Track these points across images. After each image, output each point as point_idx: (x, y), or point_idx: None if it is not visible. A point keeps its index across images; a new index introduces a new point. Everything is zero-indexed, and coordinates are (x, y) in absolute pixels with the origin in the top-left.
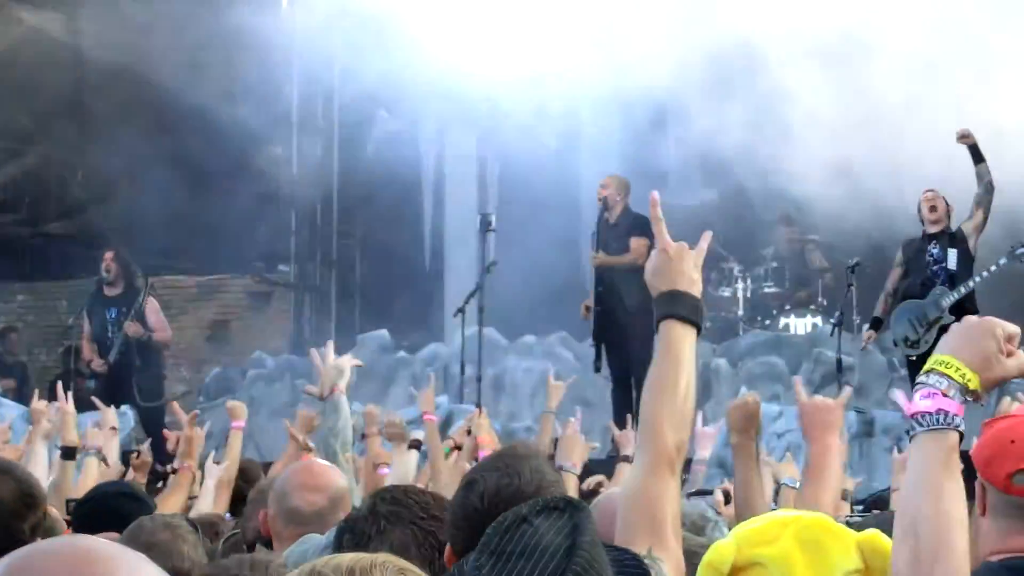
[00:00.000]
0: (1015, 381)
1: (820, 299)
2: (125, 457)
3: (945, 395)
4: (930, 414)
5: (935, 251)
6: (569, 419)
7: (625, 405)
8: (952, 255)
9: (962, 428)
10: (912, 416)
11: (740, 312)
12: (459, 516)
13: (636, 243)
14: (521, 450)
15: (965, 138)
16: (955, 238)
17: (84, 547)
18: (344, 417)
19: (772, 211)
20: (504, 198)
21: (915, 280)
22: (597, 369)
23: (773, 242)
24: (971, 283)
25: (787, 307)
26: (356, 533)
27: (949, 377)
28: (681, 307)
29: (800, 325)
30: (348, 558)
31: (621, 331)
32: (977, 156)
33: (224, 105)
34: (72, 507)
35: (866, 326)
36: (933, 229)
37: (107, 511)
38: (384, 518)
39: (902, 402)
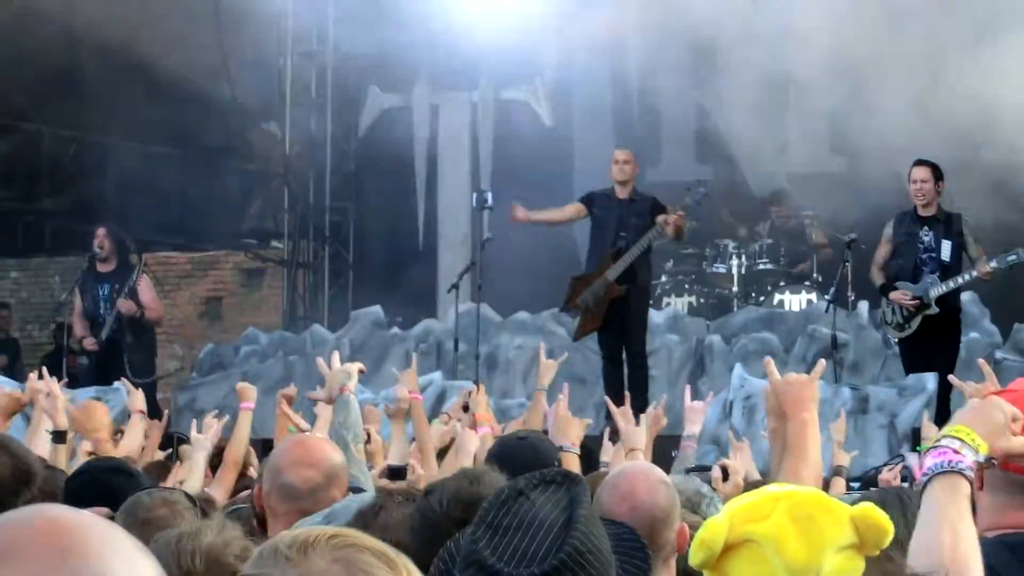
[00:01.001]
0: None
1: (815, 275)
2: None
3: (956, 452)
4: (940, 463)
5: (927, 238)
6: (559, 397)
7: (617, 381)
8: (946, 247)
9: (971, 477)
10: (924, 473)
11: (735, 288)
12: (417, 519)
13: (674, 218)
14: (480, 469)
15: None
16: (951, 228)
17: (55, 516)
18: (354, 413)
19: (767, 187)
20: (497, 174)
21: (905, 264)
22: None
23: (768, 218)
24: (960, 280)
25: (782, 283)
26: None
27: (960, 440)
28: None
29: (795, 301)
30: (301, 532)
31: (619, 307)
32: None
33: (218, 81)
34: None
35: (884, 301)
36: (925, 212)
37: (98, 486)
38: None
39: (915, 466)
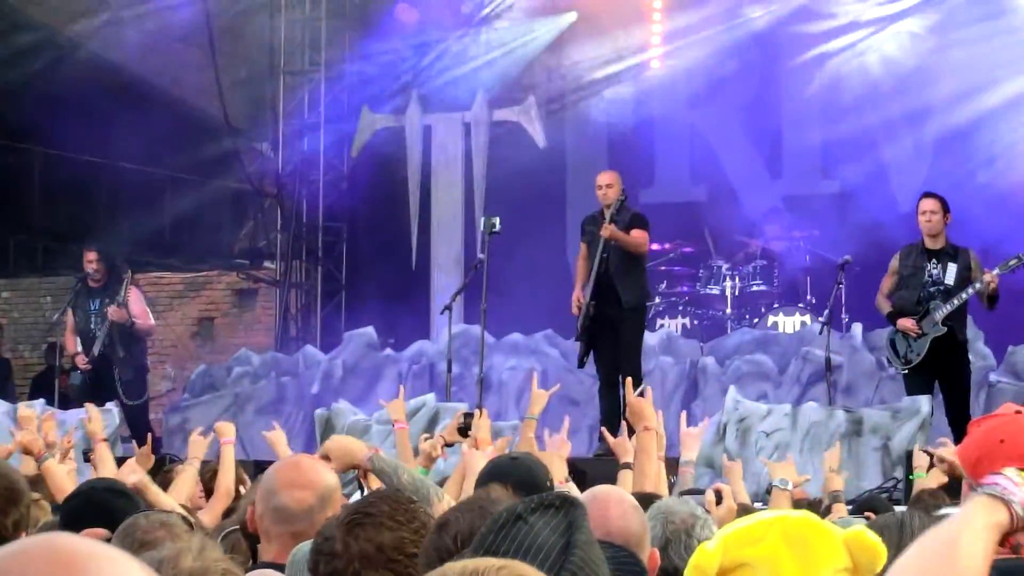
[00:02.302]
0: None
1: (809, 297)
2: (85, 456)
3: (1015, 483)
4: (991, 484)
5: (935, 271)
6: (553, 436)
7: (614, 407)
8: (951, 271)
9: (1018, 510)
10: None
11: (728, 310)
12: (433, 557)
13: (638, 233)
14: (496, 493)
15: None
16: (956, 255)
17: (63, 545)
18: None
19: (761, 208)
20: (491, 194)
21: (910, 296)
22: (581, 365)
23: (761, 240)
24: (964, 295)
25: (775, 305)
26: (331, 571)
27: (1018, 479)
28: None
29: (788, 323)
30: (467, 564)
31: (613, 329)
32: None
33: (210, 101)
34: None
35: (889, 330)
36: (932, 245)
37: (95, 507)
38: (358, 560)
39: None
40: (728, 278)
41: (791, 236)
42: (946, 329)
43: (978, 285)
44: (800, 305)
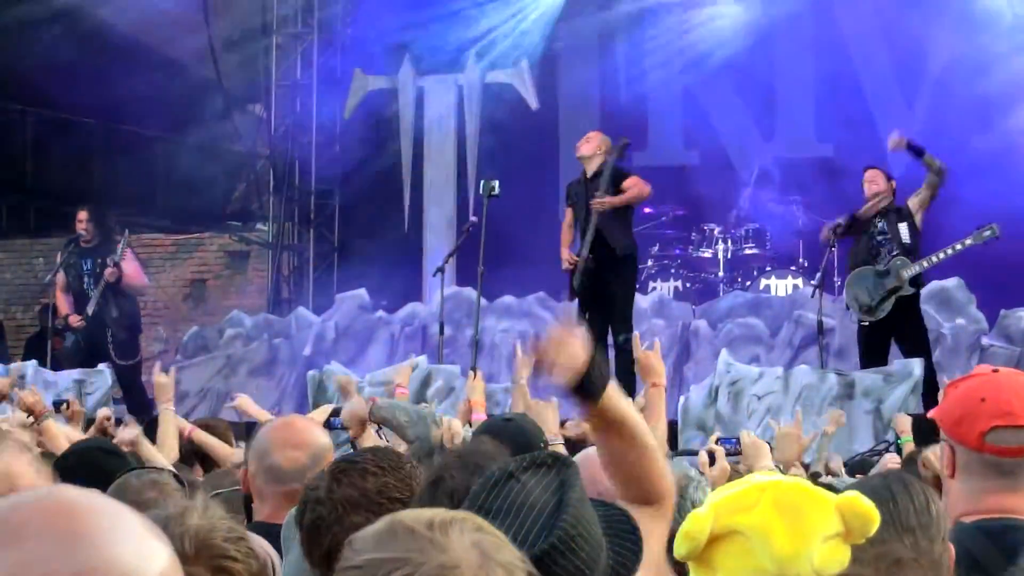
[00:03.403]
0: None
1: (801, 260)
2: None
3: None
4: None
5: (880, 224)
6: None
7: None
8: (904, 228)
9: None
10: None
11: (720, 273)
12: None
13: (630, 181)
14: (489, 447)
15: (898, 145)
16: (901, 213)
17: (64, 496)
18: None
19: (754, 172)
20: (483, 157)
21: (862, 249)
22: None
23: (755, 204)
24: (934, 258)
25: (767, 268)
26: (316, 517)
27: None
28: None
29: (780, 287)
30: (428, 511)
31: (604, 286)
32: (917, 151)
33: (203, 63)
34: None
35: (851, 277)
36: (873, 204)
37: (87, 466)
38: (341, 504)
39: None
40: (720, 241)
41: (784, 199)
42: (914, 290)
43: (950, 251)
44: (792, 268)
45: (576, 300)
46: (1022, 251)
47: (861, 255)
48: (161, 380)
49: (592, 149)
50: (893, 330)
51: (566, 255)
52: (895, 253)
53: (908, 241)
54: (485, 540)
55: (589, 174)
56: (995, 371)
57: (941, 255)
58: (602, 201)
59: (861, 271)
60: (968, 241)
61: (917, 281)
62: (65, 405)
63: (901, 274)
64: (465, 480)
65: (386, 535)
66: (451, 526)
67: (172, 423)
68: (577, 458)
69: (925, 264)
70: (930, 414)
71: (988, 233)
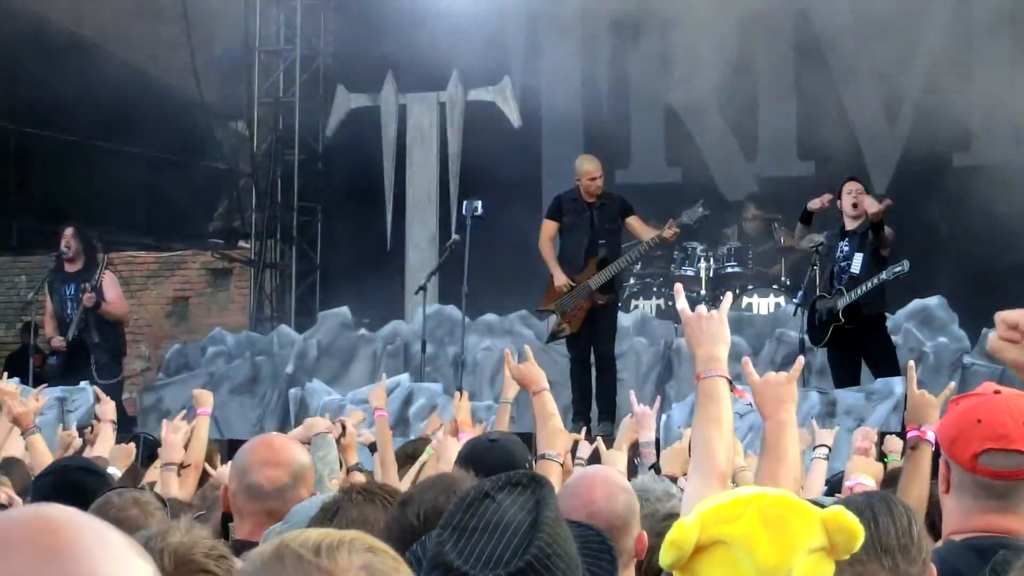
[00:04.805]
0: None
1: (783, 279)
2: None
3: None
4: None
5: (845, 248)
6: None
7: (585, 384)
8: (858, 259)
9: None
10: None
11: (703, 291)
12: (394, 532)
13: (636, 221)
14: (458, 475)
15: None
16: (865, 239)
17: (47, 515)
18: (333, 451)
19: (737, 190)
20: (465, 174)
21: (824, 272)
22: (550, 342)
23: (736, 221)
24: (859, 290)
25: (750, 287)
26: (327, 509)
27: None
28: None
29: (763, 305)
30: (316, 533)
31: (591, 310)
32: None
33: (185, 79)
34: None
35: (807, 311)
36: (852, 225)
37: (67, 485)
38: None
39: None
40: (703, 259)
41: (766, 218)
42: (844, 321)
43: (875, 281)
44: (774, 287)
45: (543, 315)
46: (1005, 269)
47: (823, 281)
48: (199, 392)
49: (602, 184)
50: (860, 349)
51: (563, 280)
52: (844, 283)
53: (857, 272)
54: (376, 561)
55: (590, 199)
56: (997, 392)
57: (863, 288)
58: (676, 233)
59: (815, 302)
60: (883, 276)
61: (859, 311)
62: (89, 428)
63: (836, 307)
64: (433, 499)
65: (273, 560)
66: (339, 549)
67: (205, 429)
68: (573, 478)
69: (852, 296)
70: (931, 431)
71: (899, 269)
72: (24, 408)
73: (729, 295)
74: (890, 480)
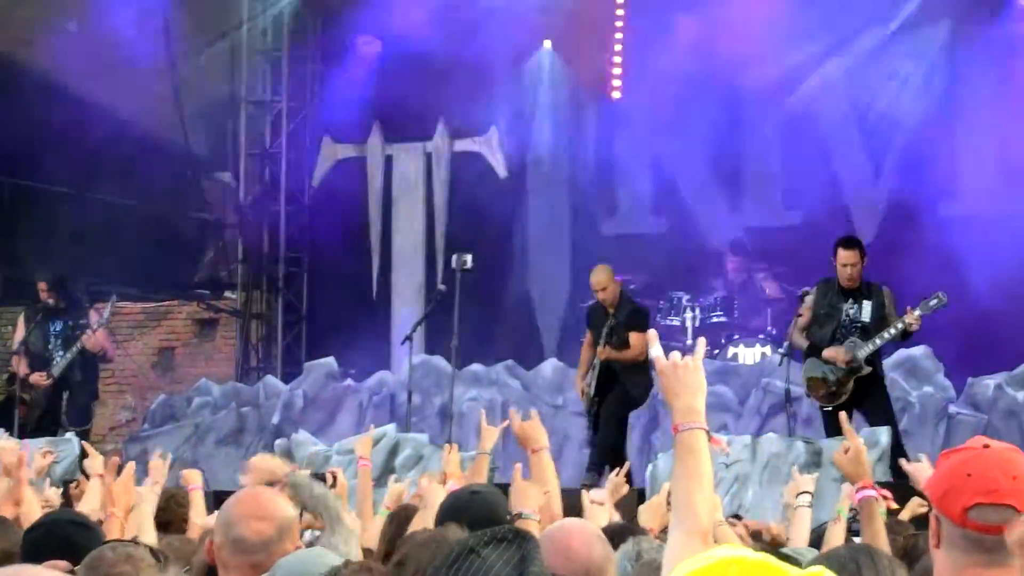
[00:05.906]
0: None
1: (769, 328)
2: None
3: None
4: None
5: (852, 311)
6: (516, 464)
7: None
8: (867, 307)
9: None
10: None
11: (688, 341)
12: None
13: (636, 338)
14: (451, 532)
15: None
16: (871, 291)
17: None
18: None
19: (722, 240)
20: (452, 224)
21: (825, 332)
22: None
23: (722, 272)
24: (886, 335)
25: (735, 336)
26: None
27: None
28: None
29: (749, 355)
30: None
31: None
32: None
33: (171, 130)
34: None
35: (807, 365)
36: (849, 285)
37: (57, 539)
38: None
39: None
40: (689, 309)
41: (751, 267)
42: (870, 369)
43: (900, 326)
44: (760, 336)
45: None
46: (990, 319)
47: (824, 340)
48: (156, 463)
49: (612, 294)
50: (855, 401)
51: (580, 386)
52: (856, 333)
53: (869, 321)
54: None
55: (610, 310)
56: (986, 446)
57: (892, 331)
58: (605, 351)
59: (813, 361)
60: (917, 312)
61: (873, 359)
62: (75, 483)
63: (856, 355)
64: (429, 559)
65: None
66: None
67: (202, 504)
68: (552, 530)
69: (878, 341)
70: (921, 485)
71: (935, 302)
72: (14, 457)
73: (702, 340)
74: (817, 542)
